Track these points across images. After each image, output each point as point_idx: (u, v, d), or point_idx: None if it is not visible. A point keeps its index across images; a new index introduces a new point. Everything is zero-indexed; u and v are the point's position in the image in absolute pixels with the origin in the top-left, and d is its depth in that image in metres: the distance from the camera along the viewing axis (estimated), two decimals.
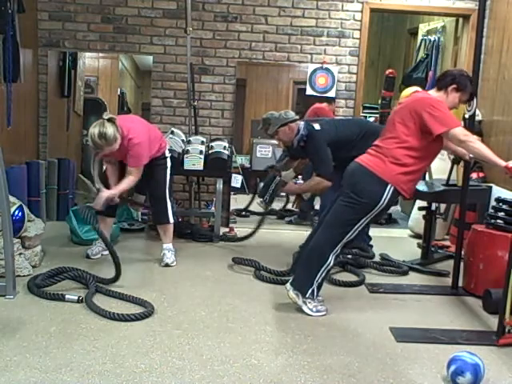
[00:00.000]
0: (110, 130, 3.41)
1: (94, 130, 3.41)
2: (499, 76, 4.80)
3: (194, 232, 4.63)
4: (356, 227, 2.94)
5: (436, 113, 2.85)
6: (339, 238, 2.96)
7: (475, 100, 3.36)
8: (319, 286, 3.00)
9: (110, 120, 3.46)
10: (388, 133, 3.02)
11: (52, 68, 5.14)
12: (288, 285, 3.04)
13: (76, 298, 2.98)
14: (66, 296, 3.00)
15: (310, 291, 2.97)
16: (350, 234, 2.95)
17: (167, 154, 3.95)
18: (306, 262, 3.04)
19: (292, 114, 4.00)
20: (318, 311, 3.00)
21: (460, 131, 2.83)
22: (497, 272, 3.12)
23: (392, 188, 2.88)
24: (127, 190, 3.76)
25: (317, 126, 4.02)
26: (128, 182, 3.64)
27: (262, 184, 4.24)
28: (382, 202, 2.89)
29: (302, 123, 3.96)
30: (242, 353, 2.51)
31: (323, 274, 2.98)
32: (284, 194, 4.62)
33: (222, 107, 5.17)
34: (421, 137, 2.89)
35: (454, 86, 3.01)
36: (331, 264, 2.98)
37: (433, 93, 3.08)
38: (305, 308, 2.99)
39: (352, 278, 3.69)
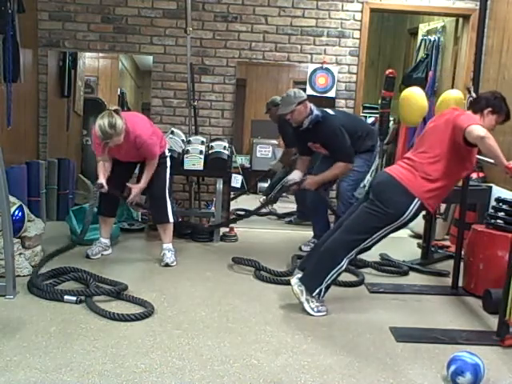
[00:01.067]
0: (118, 120, 3.47)
1: (103, 120, 3.43)
2: (499, 76, 4.80)
3: (197, 227, 4.64)
4: (375, 236, 2.96)
5: (466, 116, 2.93)
6: (356, 244, 2.97)
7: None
8: (327, 287, 3.00)
9: (115, 111, 3.50)
10: (421, 146, 3.05)
11: (52, 68, 5.14)
12: (295, 279, 3.04)
13: (74, 299, 2.97)
14: (65, 297, 2.99)
15: (317, 290, 2.97)
16: (367, 241, 2.97)
17: (167, 154, 3.96)
18: (318, 261, 3.04)
19: (303, 93, 4.03)
20: (318, 311, 3.00)
21: (482, 128, 2.83)
22: (497, 272, 3.12)
23: (419, 202, 2.90)
24: (145, 185, 3.82)
25: (331, 112, 4.07)
26: (150, 167, 3.77)
27: (261, 184, 4.26)
28: (406, 215, 2.90)
29: (311, 104, 4.00)
30: (241, 353, 2.51)
31: (334, 276, 2.98)
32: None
33: (222, 107, 5.17)
34: (453, 152, 2.92)
35: (490, 109, 3.03)
36: (343, 267, 2.99)
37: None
38: (306, 306, 2.99)
39: (352, 278, 3.69)
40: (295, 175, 4.16)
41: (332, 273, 2.96)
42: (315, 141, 4.09)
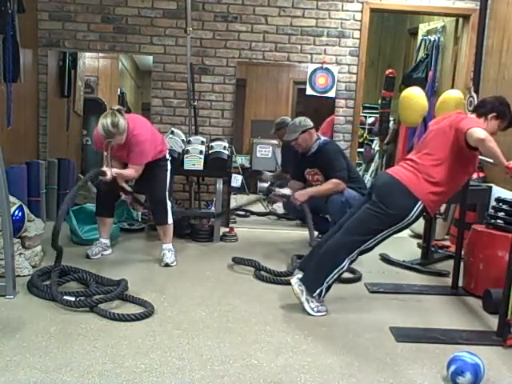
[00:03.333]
0: (121, 119, 3.46)
1: (106, 119, 3.42)
2: (499, 76, 4.80)
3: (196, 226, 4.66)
4: (377, 237, 2.95)
5: (469, 119, 2.95)
6: (358, 245, 2.96)
7: (476, 100, 3.36)
8: (328, 288, 3.00)
9: (118, 111, 3.50)
10: (424, 148, 3.05)
11: (52, 68, 5.13)
12: (295, 279, 3.04)
13: (73, 299, 2.97)
14: (64, 297, 2.98)
15: (318, 290, 2.97)
16: (369, 242, 2.96)
17: (168, 157, 3.97)
18: (320, 261, 3.04)
19: (310, 121, 4.18)
20: (318, 311, 3.00)
21: (483, 130, 2.83)
22: (497, 272, 3.12)
23: (422, 205, 2.90)
24: (125, 178, 3.70)
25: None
26: (129, 172, 3.65)
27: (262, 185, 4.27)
28: (409, 217, 2.90)
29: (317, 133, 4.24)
30: (241, 353, 2.51)
31: (335, 277, 2.98)
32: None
33: (222, 107, 5.17)
34: (456, 155, 2.92)
35: (494, 114, 3.03)
36: (345, 268, 2.98)
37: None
38: (306, 306, 2.99)
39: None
40: (286, 191, 4.21)
41: (333, 273, 2.96)
42: (315, 165, 4.16)
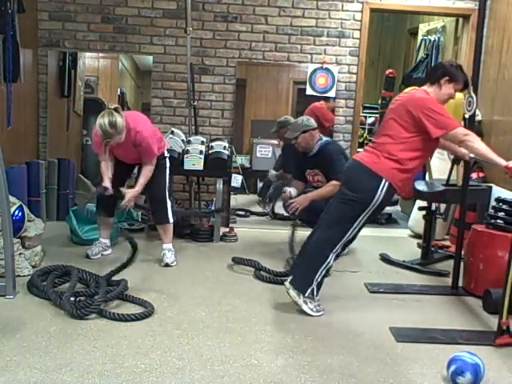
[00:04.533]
0: (118, 118, 3.45)
1: (104, 119, 3.42)
2: (499, 76, 4.80)
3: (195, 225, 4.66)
4: (355, 225, 2.94)
5: (434, 116, 2.85)
6: (338, 237, 2.96)
7: (475, 100, 3.37)
8: (319, 286, 3.00)
9: (115, 110, 3.49)
10: (383, 130, 3.03)
11: (52, 68, 5.14)
12: (287, 283, 3.04)
13: (73, 299, 2.97)
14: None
15: (309, 290, 2.97)
16: (349, 232, 2.95)
17: (166, 154, 3.96)
18: (305, 261, 3.04)
19: (313, 122, 4.16)
20: (318, 311, 3.01)
21: (459, 131, 2.84)
22: (497, 272, 3.12)
23: (387, 183, 2.87)
24: (146, 181, 3.75)
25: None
26: (146, 172, 3.71)
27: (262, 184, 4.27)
28: (377, 198, 2.87)
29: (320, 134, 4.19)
30: (242, 353, 2.51)
31: (323, 273, 2.98)
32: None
33: (222, 107, 5.17)
34: (416, 135, 2.90)
35: (446, 77, 3.01)
36: (331, 263, 2.99)
37: (427, 88, 3.06)
38: (305, 307, 2.99)
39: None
40: (293, 190, 4.20)
41: (320, 270, 2.96)
42: (316, 166, 4.15)
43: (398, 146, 2.90)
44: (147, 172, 3.72)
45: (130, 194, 3.68)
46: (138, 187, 3.72)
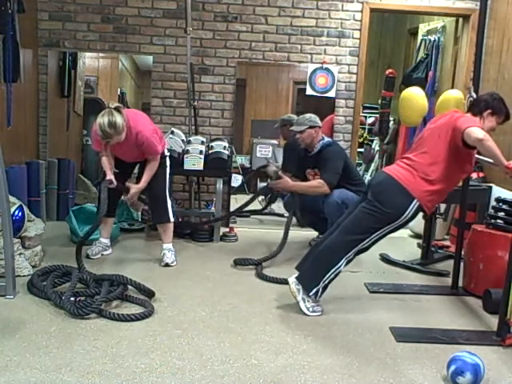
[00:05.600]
0: (118, 118, 3.43)
1: (103, 119, 3.41)
2: (499, 76, 4.80)
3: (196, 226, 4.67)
4: (373, 236, 2.95)
5: (466, 118, 2.94)
6: (354, 244, 2.96)
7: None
8: (325, 288, 3.00)
9: (116, 109, 3.47)
10: (421, 147, 3.04)
11: (52, 68, 5.14)
12: (292, 278, 3.04)
13: (73, 299, 2.97)
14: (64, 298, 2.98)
15: (315, 290, 2.97)
16: (366, 241, 2.96)
17: (166, 153, 3.96)
18: (316, 261, 3.03)
19: (319, 121, 4.20)
20: (314, 311, 3.00)
21: (481, 130, 2.83)
22: (497, 272, 3.12)
23: (418, 203, 2.90)
24: (150, 178, 3.78)
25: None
26: (151, 167, 3.74)
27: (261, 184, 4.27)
28: (405, 216, 2.90)
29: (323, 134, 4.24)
30: (242, 353, 2.51)
31: (331, 276, 2.97)
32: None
33: (222, 107, 5.17)
34: (452, 154, 2.92)
35: (489, 110, 3.03)
36: (341, 268, 2.98)
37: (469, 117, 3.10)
38: (302, 305, 2.99)
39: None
40: (270, 170, 4.37)
41: (330, 273, 2.96)
42: (315, 165, 4.15)
43: (434, 167, 2.92)
44: (153, 167, 3.75)
45: (134, 189, 3.73)
46: (142, 184, 3.75)
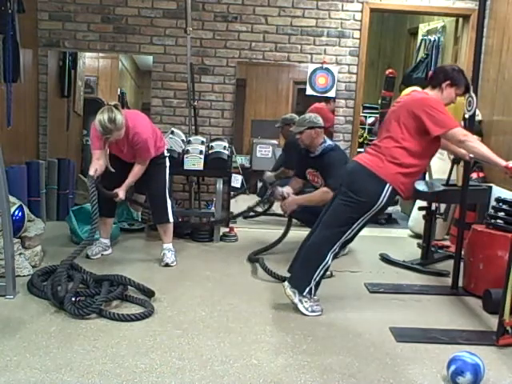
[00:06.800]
0: (118, 115, 3.45)
1: (103, 115, 3.42)
2: (499, 76, 4.80)
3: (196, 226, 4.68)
4: (354, 226, 2.95)
5: (434, 114, 2.86)
6: (337, 237, 2.96)
7: (475, 100, 3.37)
8: (317, 285, 3.00)
9: (115, 106, 3.49)
10: (385, 132, 3.02)
11: (52, 68, 5.14)
12: (285, 282, 3.05)
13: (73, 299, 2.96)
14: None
15: (307, 289, 2.97)
16: (348, 232, 2.96)
17: (166, 154, 3.96)
18: (304, 260, 3.04)
19: (321, 121, 4.14)
20: (313, 311, 3.00)
21: (459, 131, 2.85)
22: (497, 272, 3.12)
23: (390, 187, 2.88)
24: (134, 180, 3.78)
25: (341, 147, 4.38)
26: (137, 171, 3.72)
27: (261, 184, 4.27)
28: (380, 201, 2.89)
29: (325, 136, 4.16)
30: (242, 353, 2.51)
31: (321, 273, 2.98)
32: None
33: (222, 107, 5.18)
34: (418, 137, 2.90)
35: (448, 81, 3.03)
36: (329, 263, 2.99)
37: (428, 91, 3.09)
38: (300, 307, 2.99)
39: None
40: (287, 189, 4.19)
41: (319, 270, 2.96)
42: (316, 167, 4.14)
43: (400, 150, 2.90)
44: (138, 171, 3.73)
45: (120, 192, 3.72)
46: (127, 182, 3.73)
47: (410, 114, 2.90)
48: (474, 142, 2.83)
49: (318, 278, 2.98)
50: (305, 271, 3.00)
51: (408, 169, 2.91)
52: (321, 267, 2.96)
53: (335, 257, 3.04)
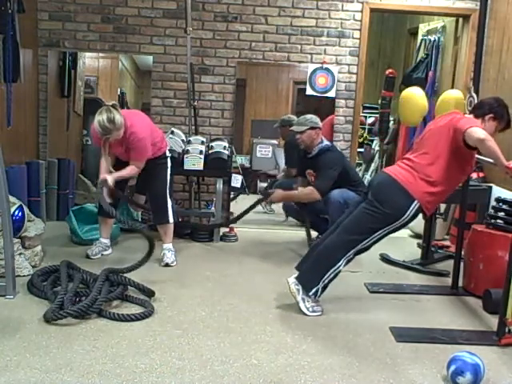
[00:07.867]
0: (117, 115, 3.45)
1: (102, 115, 3.42)
2: (499, 76, 4.80)
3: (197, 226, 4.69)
4: (373, 236, 2.94)
5: (467, 119, 2.94)
6: (354, 244, 2.96)
7: (476, 100, 3.37)
8: (324, 287, 2.99)
9: (113, 106, 3.49)
10: (421, 148, 3.04)
11: (52, 68, 5.14)
12: (292, 278, 3.04)
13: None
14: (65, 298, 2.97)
15: (314, 289, 2.97)
16: (365, 241, 2.96)
17: (168, 154, 3.96)
18: (316, 261, 3.03)
19: (320, 122, 4.19)
20: (313, 311, 3.00)
21: (482, 130, 2.83)
22: (497, 272, 3.12)
23: (418, 204, 2.89)
24: (126, 177, 3.74)
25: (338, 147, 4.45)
26: (130, 170, 3.67)
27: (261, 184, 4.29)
28: (405, 217, 2.89)
29: (323, 136, 4.22)
30: (241, 353, 2.51)
31: (331, 276, 2.97)
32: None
33: (222, 107, 5.18)
34: (453, 154, 2.92)
35: (491, 115, 3.02)
36: (341, 268, 2.98)
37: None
38: (301, 305, 2.99)
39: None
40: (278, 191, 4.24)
41: (329, 273, 2.95)
42: (313, 167, 4.15)
43: (434, 168, 2.92)
44: (131, 171, 3.68)
45: (109, 178, 3.52)
46: (115, 175, 3.58)
47: (449, 131, 2.92)
48: (492, 141, 2.83)
49: (326, 281, 2.97)
50: (315, 271, 3.00)
51: (437, 188, 2.92)
52: (331, 270, 2.95)
53: (348, 263, 3.03)
